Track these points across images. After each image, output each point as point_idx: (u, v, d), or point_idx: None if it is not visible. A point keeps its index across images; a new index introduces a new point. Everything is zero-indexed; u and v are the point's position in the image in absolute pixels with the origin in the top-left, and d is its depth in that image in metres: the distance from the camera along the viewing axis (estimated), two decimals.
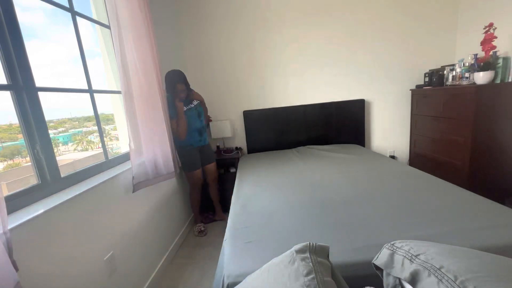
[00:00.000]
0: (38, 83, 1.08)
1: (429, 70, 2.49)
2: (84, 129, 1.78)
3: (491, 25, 1.94)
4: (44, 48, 1.38)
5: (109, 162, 1.53)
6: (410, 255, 0.58)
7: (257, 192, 1.66)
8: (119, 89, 1.49)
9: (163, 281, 1.76)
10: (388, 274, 0.62)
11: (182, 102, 2.02)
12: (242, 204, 1.50)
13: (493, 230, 0.99)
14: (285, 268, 0.57)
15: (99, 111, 1.48)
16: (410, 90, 2.67)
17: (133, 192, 1.52)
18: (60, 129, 1.60)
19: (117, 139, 1.92)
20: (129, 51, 1.51)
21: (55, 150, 1.16)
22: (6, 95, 1.00)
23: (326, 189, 1.56)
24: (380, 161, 2.06)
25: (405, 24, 2.57)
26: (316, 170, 1.96)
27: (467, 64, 2.10)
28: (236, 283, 0.82)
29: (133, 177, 1.51)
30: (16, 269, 0.78)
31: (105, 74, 1.73)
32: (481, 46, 2.02)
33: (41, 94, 1.09)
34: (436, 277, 0.49)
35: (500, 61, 1.91)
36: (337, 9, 2.59)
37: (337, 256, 0.89)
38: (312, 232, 1.12)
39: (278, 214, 1.32)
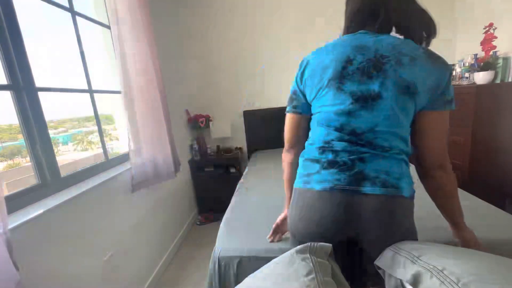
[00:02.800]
0: (38, 83, 1.08)
1: None
2: (84, 129, 1.78)
3: (491, 25, 1.94)
4: (44, 48, 1.37)
5: (109, 162, 1.53)
6: (412, 256, 0.58)
7: (258, 185, 1.73)
8: (119, 89, 1.49)
9: (163, 281, 1.76)
10: (390, 276, 0.61)
11: None
12: (242, 196, 1.61)
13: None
14: (285, 268, 0.57)
15: (99, 111, 1.48)
16: None
17: (132, 192, 1.52)
18: (60, 129, 1.60)
19: (117, 139, 1.92)
20: (129, 51, 1.51)
21: (55, 150, 1.16)
22: (6, 95, 1.00)
23: None
24: None
25: None
26: None
27: (467, 64, 2.10)
28: (226, 257, 1.00)
29: (132, 177, 1.51)
30: (17, 268, 0.78)
31: (105, 74, 1.73)
32: (481, 46, 2.02)
33: (41, 94, 1.09)
34: (438, 279, 0.49)
35: (500, 61, 1.91)
36: (337, 9, 2.59)
37: None
38: None
39: (274, 204, 1.37)
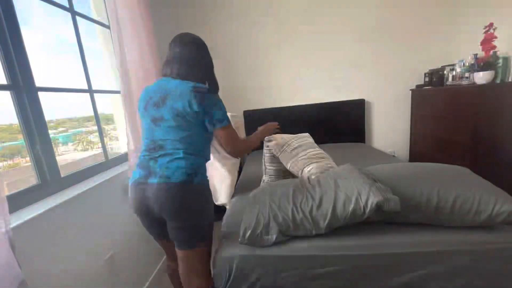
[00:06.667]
0: (38, 83, 1.08)
1: (429, 70, 2.48)
2: (84, 129, 1.78)
3: (491, 25, 1.94)
4: (43, 47, 1.37)
5: (109, 162, 1.53)
6: None
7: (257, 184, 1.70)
8: (119, 89, 1.49)
9: (164, 281, 1.75)
10: None
11: None
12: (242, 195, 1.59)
13: None
14: None
15: (99, 111, 1.48)
16: (410, 90, 2.66)
17: None
18: (60, 129, 1.60)
19: (117, 139, 1.92)
20: (129, 51, 1.51)
21: (55, 150, 1.15)
22: (6, 95, 1.00)
23: None
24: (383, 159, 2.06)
25: (405, 23, 2.56)
26: None
27: (467, 64, 2.10)
28: (228, 257, 1.03)
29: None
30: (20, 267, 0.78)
31: (105, 74, 1.73)
32: (481, 46, 2.02)
33: (41, 94, 1.09)
34: None
35: (500, 61, 1.90)
36: (337, 8, 2.59)
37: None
38: None
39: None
